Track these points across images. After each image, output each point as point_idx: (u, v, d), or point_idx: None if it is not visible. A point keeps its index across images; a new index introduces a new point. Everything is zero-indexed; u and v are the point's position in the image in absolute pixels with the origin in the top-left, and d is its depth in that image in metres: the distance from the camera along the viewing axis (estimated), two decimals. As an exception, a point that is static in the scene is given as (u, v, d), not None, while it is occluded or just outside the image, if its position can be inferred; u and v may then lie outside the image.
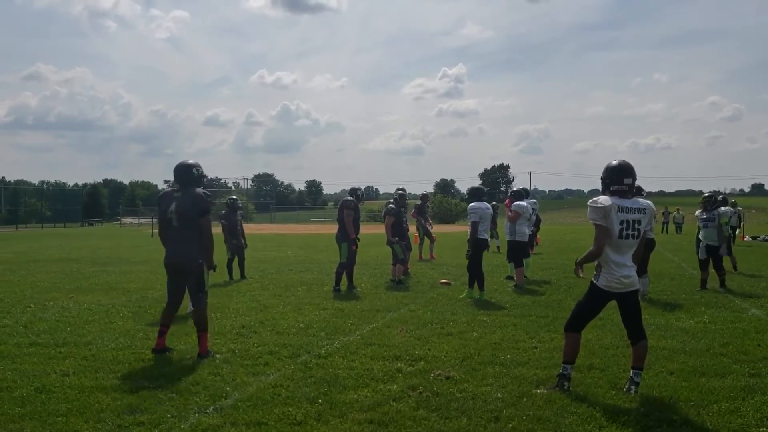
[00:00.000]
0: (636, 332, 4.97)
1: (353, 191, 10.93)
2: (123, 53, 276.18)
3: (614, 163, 4.97)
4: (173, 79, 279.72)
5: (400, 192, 12.50)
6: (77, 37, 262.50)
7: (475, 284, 9.68)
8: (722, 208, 10.84)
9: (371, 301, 9.29)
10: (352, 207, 10.57)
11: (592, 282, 4.98)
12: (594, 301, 5.03)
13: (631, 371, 4.94)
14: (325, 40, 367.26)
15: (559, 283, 11.28)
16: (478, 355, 5.98)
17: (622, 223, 4.77)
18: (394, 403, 4.59)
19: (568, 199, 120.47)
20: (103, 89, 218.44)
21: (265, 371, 5.45)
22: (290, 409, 4.46)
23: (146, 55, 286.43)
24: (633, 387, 4.86)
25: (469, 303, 9.17)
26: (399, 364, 5.65)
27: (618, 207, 4.77)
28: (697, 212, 11.01)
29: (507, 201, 12.91)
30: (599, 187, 5.06)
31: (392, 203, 12.33)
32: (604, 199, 4.82)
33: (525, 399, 4.69)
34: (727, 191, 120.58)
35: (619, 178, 4.86)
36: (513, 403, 4.59)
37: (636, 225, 4.83)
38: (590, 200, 4.91)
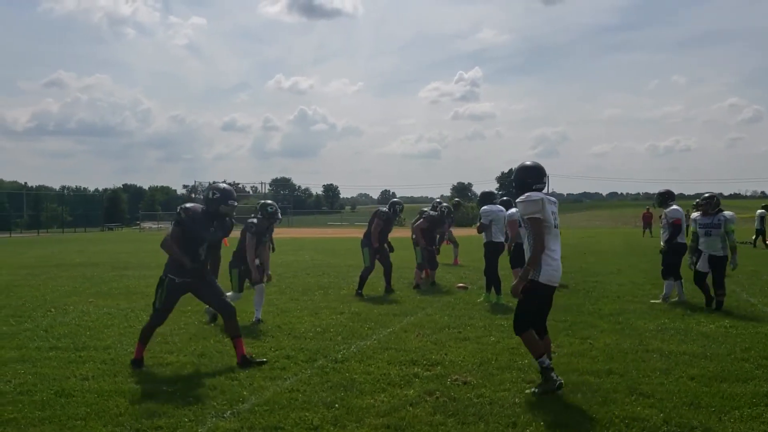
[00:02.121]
0: (543, 327, 5.17)
1: (392, 204, 11.16)
2: (142, 60, 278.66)
3: (530, 164, 5.20)
4: (192, 85, 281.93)
5: (446, 205, 12.88)
6: (97, 44, 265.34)
7: (492, 288, 9.64)
8: (727, 213, 9.00)
9: (388, 306, 9.28)
10: (384, 218, 10.80)
11: (531, 280, 4.93)
12: (537, 299, 5.01)
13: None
14: (342, 45, 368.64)
15: (578, 287, 11.19)
16: (495, 359, 5.95)
17: (552, 213, 4.98)
18: (410, 408, 4.58)
19: (587, 202, 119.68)
20: (123, 95, 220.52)
21: (282, 375, 5.46)
22: (307, 414, 4.47)
23: (165, 61, 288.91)
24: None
25: (486, 307, 9.13)
26: (416, 369, 5.63)
27: (547, 199, 4.97)
28: (695, 215, 9.23)
29: None
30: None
31: (430, 210, 12.59)
32: (534, 193, 4.97)
33: (543, 404, 4.65)
34: (748, 194, 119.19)
35: (539, 177, 5.12)
36: (531, 409, 4.55)
37: (557, 215, 5.08)
38: (520, 198, 5.02)
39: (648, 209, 34.99)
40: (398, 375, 5.44)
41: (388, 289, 10.77)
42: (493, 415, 4.43)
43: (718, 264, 8.89)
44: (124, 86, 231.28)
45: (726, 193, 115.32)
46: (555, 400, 4.75)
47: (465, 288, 11.26)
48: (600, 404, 4.64)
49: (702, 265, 9.01)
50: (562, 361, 5.87)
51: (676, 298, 9.35)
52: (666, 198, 9.58)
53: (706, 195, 9.09)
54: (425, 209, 13.17)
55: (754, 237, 23.47)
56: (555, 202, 5.11)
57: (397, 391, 4.99)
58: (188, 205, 5.90)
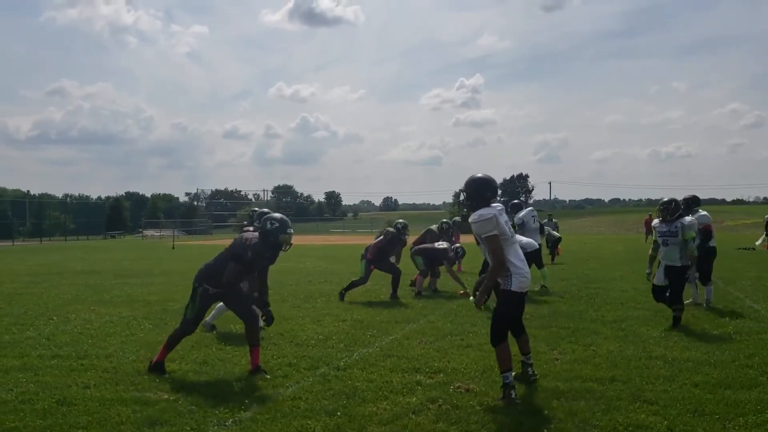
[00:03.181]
0: (520, 327, 5.44)
1: (395, 224, 11.70)
2: (144, 68, 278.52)
3: (483, 176, 5.20)
4: (194, 93, 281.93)
5: (446, 222, 14.15)
6: (99, 52, 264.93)
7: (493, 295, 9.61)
8: (687, 219, 8.07)
9: (390, 313, 9.26)
10: (388, 237, 11.28)
11: (504, 291, 5.01)
12: (513, 308, 5.12)
13: (523, 357, 5.45)
14: (343, 52, 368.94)
15: (580, 294, 11.17)
16: (498, 367, 5.92)
17: (506, 223, 5.06)
18: (413, 416, 4.56)
19: (589, 208, 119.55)
20: (125, 103, 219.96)
21: (284, 383, 5.45)
22: (309, 422, 4.45)
23: (167, 69, 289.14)
24: (530, 369, 5.42)
25: (488, 314, 9.08)
26: (418, 377, 5.62)
27: (497, 212, 5.02)
28: (655, 222, 8.33)
29: None
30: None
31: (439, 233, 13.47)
32: (486, 210, 4.98)
33: (546, 412, 4.64)
34: (751, 199, 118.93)
35: (495, 190, 5.19)
36: (534, 417, 4.54)
37: (508, 221, 5.15)
38: (472, 218, 5.01)
39: (650, 215, 34.93)
40: (401, 383, 5.42)
41: (394, 296, 10.86)
42: (496, 423, 4.41)
43: (675, 275, 7.99)
44: (127, 94, 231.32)
45: (729, 199, 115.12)
46: (558, 407, 4.74)
47: (467, 295, 11.23)
48: (603, 411, 4.62)
49: (658, 278, 8.16)
50: (565, 368, 5.85)
51: (690, 300, 9.40)
52: (691, 204, 9.49)
53: (665, 199, 8.19)
54: (433, 228, 13.77)
55: (759, 241, 23.29)
56: (502, 208, 5.16)
57: (399, 399, 4.97)
58: (252, 241, 5.83)
